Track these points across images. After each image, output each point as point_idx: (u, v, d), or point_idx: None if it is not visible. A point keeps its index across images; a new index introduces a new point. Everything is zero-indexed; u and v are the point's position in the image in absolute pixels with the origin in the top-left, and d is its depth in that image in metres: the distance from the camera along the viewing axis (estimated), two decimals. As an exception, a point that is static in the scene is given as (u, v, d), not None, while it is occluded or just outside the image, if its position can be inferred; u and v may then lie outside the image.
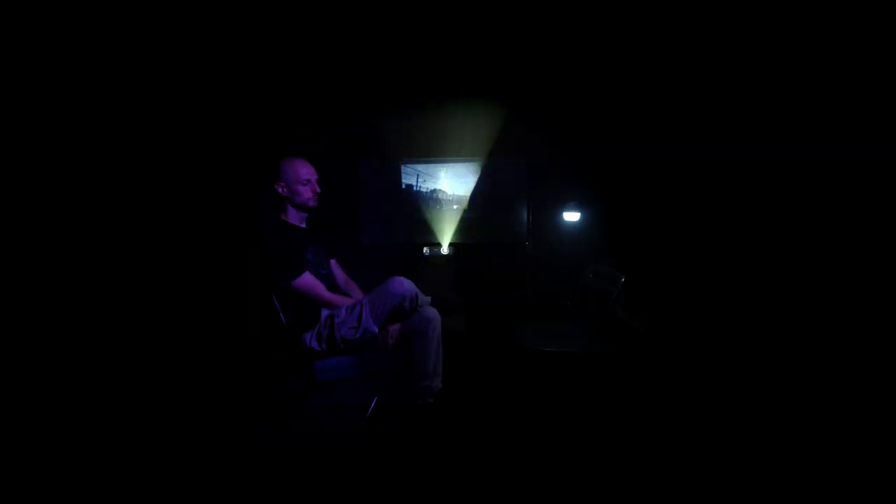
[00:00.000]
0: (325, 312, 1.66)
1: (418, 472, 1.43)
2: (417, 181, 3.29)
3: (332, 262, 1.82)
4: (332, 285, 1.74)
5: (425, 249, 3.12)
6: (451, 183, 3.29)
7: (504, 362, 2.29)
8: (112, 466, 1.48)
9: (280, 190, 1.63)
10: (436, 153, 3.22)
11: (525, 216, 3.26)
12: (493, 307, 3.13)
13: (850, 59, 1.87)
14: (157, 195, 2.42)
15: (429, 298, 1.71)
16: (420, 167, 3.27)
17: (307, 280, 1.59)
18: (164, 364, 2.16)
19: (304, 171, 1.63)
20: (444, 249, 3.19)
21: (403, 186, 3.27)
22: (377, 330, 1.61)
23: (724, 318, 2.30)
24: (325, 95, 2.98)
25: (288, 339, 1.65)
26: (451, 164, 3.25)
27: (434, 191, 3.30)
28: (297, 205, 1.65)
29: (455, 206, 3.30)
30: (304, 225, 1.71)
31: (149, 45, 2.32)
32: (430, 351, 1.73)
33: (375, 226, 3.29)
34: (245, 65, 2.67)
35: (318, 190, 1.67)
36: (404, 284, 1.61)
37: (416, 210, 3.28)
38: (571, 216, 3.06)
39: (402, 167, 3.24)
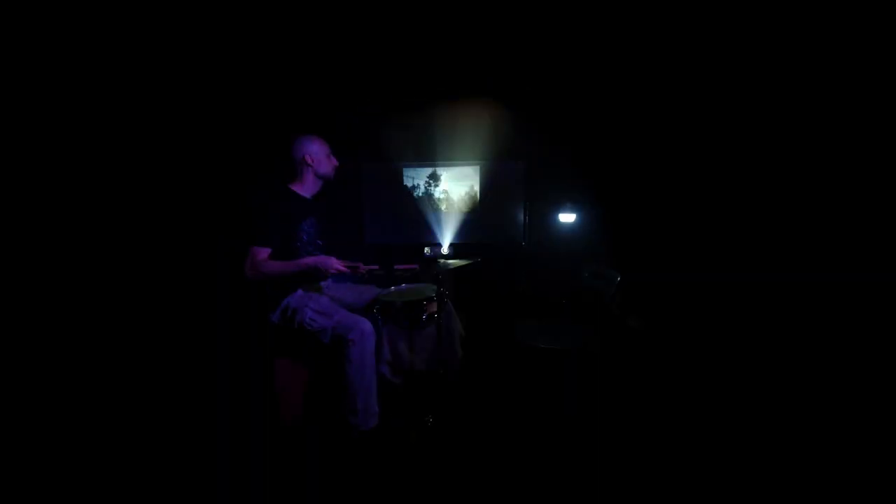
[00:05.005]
0: (300, 290, 1.73)
1: (419, 471, 1.47)
2: (419, 183, 3.35)
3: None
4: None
5: (426, 249, 3.18)
6: (452, 185, 3.35)
7: (503, 359, 2.35)
8: (96, 465, 1.50)
9: (308, 159, 1.75)
10: (437, 156, 3.29)
11: (522, 217, 3.33)
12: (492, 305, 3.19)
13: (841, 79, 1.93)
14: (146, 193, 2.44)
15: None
16: (421, 170, 3.33)
17: (260, 253, 1.62)
18: (141, 359, 2.17)
19: (327, 147, 1.81)
20: (445, 249, 3.25)
21: (405, 189, 3.33)
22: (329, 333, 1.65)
23: (720, 316, 2.35)
24: (328, 101, 3.03)
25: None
26: (451, 167, 3.31)
27: (434, 193, 3.37)
28: (320, 174, 1.79)
29: (455, 208, 3.37)
30: (308, 196, 1.80)
31: (156, 53, 2.35)
32: (352, 379, 1.58)
33: (378, 227, 3.35)
34: (250, 69, 2.71)
35: (337, 164, 1.83)
36: (365, 339, 1.60)
37: (417, 212, 3.34)
38: (567, 217, 3.13)
39: (404, 170, 3.31)
